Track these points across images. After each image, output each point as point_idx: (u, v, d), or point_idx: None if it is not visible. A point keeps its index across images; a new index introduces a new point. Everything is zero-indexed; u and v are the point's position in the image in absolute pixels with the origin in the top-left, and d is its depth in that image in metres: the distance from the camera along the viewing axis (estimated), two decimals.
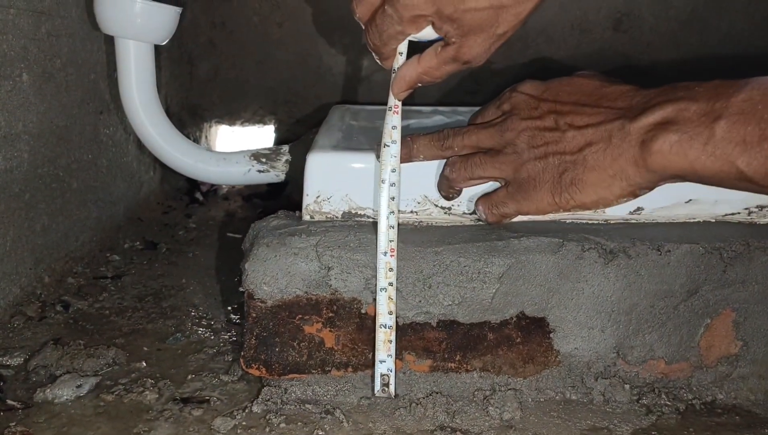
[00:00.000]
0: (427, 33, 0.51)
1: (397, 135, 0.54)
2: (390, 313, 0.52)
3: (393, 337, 0.52)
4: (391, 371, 0.53)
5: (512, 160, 0.53)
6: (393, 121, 0.54)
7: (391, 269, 0.52)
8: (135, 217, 0.97)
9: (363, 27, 0.53)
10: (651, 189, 0.51)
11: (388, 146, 0.54)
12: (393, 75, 0.54)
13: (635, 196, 0.51)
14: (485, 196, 0.56)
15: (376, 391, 0.53)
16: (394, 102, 0.54)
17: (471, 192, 0.58)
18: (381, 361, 0.53)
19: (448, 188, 0.56)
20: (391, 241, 0.53)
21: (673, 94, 0.49)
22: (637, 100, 0.50)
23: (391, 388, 0.53)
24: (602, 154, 0.50)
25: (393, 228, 0.53)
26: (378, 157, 0.55)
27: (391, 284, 0.52)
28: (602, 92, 0.52)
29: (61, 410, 0.52)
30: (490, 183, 0.56)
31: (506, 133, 0.53)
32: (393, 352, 0.53)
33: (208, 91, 1.16)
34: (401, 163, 0.54)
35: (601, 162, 0.50)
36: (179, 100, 1.14)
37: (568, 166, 0.51)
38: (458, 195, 0.57)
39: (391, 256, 0.52)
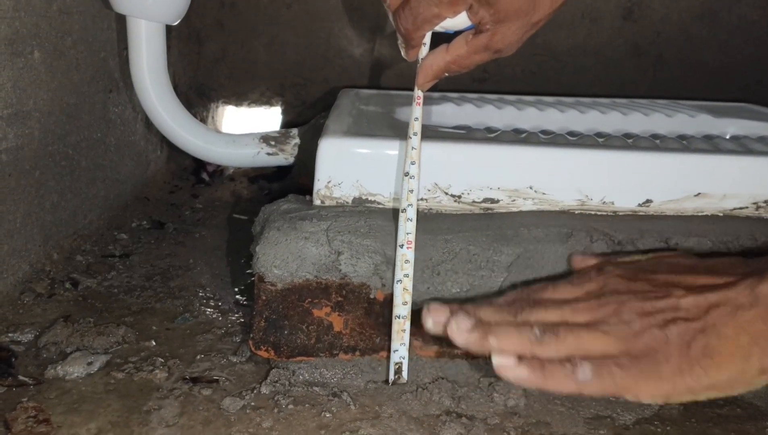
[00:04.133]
0: (460, 21, 0.51)
1: (418, 126, 0.54)
2: (404, 303, 0.52)
3: (407, 327, 0.53)
4: (403, 359, 0.53)
5: (619, 331, 0.43)
6: (416, 113, 0.54)
7: (407, 261, 0.52)
8: (142, 196, 0.97)
9: (391, 14, 0.52)
10: None
11: (410, 138, 0.54)
12: (418, 65, 0.54)
13: None
14: (595, 361, 0.42)
15: (390, 380, 0.53)
16: (417, 93, 0.54)
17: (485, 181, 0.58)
18: (394, 351, 0.53)
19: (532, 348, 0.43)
20: (408, 233, 0.53)
21: None
22: (756, 265, 0.44)
23: (404, 374, 0.53)
24: (732, 318, 0.41)
25: (411, 220, 0.53)
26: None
27: (406, 276, 0.52)
28: (707, 264, 0.47)
29: (72, 387, 0.53)
30: None
31: (606, 306, 0.44)
32: (407, 341, 0.53)
33: (215, 71, 1.16)
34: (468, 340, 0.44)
35: (732, 326, 0.41)
36: (187, 80, 1.14)
37: (695, 334, 0.41)
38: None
39: (408, 248, 0.53)
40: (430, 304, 0.45)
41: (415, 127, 0.54)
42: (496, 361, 0.43)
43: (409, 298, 0.53)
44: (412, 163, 0.54)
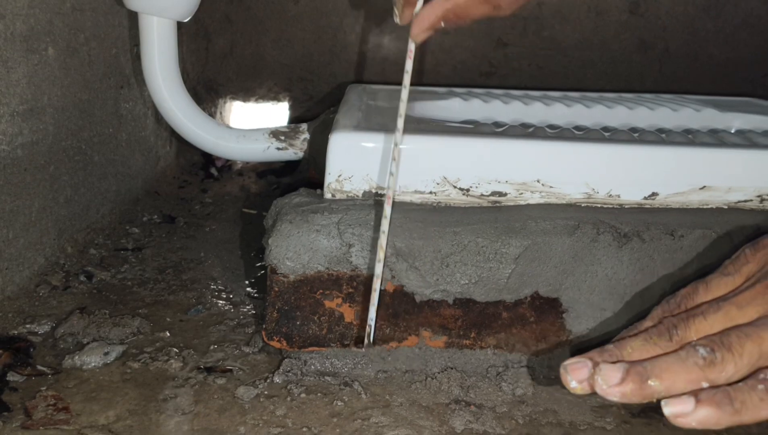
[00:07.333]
0: None
1: (407, 80, 0.52)
2: (379, 261, 0.52)
3: (377, 286, 0.52)
4: (372, 321, 0.52)
5: None
6: (407, 66, 0.52)
7: (384, 217, 0.51)
8: (152, 190, 0.98)
9: None
10: None
11: (402, 90, 0.52)
12: (414, 16, 0.51)
13: None
14: (724, 392, 0.32)
15: (365, 344, 0.53)
16: (410, 46, 0.52)
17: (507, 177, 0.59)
18: (370, 316, 0.53)
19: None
20: (388, 188, 0.52)
21: None
22: None
23: (371, 339, 0.53)
24: None
25: (392, 175, 0.52)
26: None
27: (383, 232, 0.51)
28: None
29: (90, 376, 0.54)
30: None
31: None
32: (375, 301, 0.52)
33: (224, 66, 1.17)
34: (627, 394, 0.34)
35: None
36: (195, 75, 1.15)
37: None
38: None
39: (387, 204, 0.52)
40: (565, 362, 0.36)
41: (405, 80, 0.52)
42: (669, 410, 0.32)
43: (382, 256, 0.52)
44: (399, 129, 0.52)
